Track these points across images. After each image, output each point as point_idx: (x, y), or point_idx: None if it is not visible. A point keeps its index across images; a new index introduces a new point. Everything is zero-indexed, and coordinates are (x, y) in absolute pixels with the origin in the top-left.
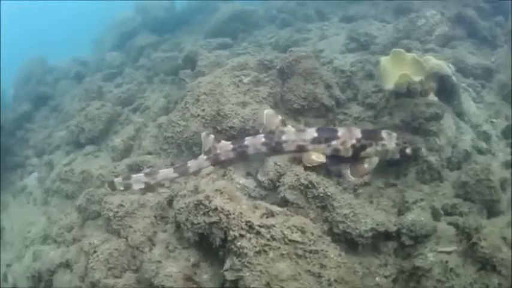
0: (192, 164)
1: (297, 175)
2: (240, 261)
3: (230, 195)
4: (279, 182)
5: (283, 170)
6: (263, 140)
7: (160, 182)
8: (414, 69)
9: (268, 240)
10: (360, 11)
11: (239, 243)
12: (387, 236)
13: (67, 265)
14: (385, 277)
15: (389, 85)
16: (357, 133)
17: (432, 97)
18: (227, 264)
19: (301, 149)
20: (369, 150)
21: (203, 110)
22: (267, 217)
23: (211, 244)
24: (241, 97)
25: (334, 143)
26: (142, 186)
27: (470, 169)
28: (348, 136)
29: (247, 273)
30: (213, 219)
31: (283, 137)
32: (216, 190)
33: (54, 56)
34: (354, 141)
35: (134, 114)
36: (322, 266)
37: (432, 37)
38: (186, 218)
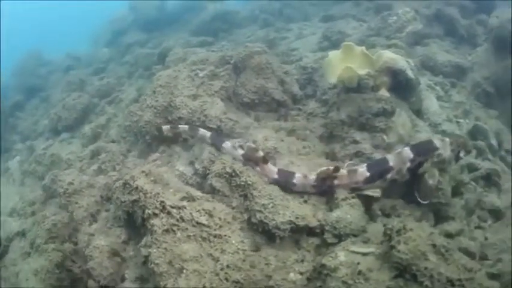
0: (226, 146)
1: (224, 163)
2: (150, 238)
3: (156, 178)
4: (209, 170)
5: (215, 158)
6: (314, 183)
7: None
8: (363, 62)
9: (177, 220)
10: (341, 11)
11: (152, 221)
12: (311, 232)
13: (23, 234)
14: (300, 273)
15: (333, 78)
16: (409, 154)
17: (383, 92)
18: (143, 241)
19: (355, 190)
20: (426, 165)
21: (157, 101)
22: (188, 201)
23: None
24: (194, 90)
25: (389, 176)
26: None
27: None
28: (400, 162)
29: (154, 250)
30: (134, 197)
31: (336, 182)
32: (142, 172)
33: (56, 51)
34: (408, 164)
35: (110, 106)
36: (223, 251)
37: (403, 34)
38: (117, 197)
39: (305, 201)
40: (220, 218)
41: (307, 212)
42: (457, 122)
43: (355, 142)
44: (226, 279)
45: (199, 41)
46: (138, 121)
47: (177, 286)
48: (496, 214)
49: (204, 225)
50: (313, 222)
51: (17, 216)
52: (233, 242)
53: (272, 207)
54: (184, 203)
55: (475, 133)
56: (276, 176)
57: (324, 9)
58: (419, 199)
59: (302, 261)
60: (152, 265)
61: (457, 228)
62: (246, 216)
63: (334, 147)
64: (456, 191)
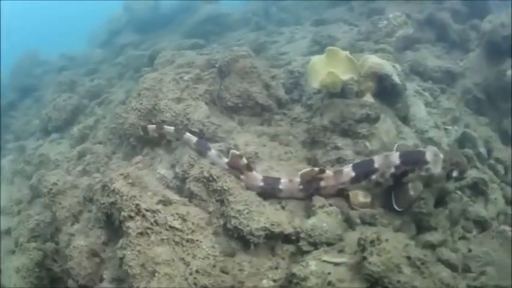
0: (211, 154)
1: (202, 167)
2: (126, 240)
3: (134, 181)
4: (188, 174)
5: (195, 162)
6: (300, 187)
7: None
8: (347, 67)
9: (151, 224)
10: (333, 15)
11: (127, 224)
12: (287, 238)
13: (9, 232)
14: (274, 281)
15: (316, 83)
16: (395, 159)
17: (368, 98)
18: (120, 243)
19: (342, 191)
20: (411, 176)
21: (141, 104)
22: (164, 205)
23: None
24: (178, 93)
25: (374, 177)
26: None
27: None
28: (385, 166)
29: (129, 252)
30: (112, 199)
31: (322, 183)
32: (120, 174)
33: (56, 50)
34: (392, 169)
35: (99, 107)
36: (194, 256)
37: (393, 39)
38: (97, 198)
39: (282, 208)
40: (193, 223)
41: (282, 218)
42: (445, 129)
43: (337, 148)
44: (195, 284)
45: (191, 43)
46: (123, 123)
47: None
48: (482, 225)
49: (177, 229)
50: (289, 229)
51: (4, 214)
52: (204, 247)
53: (247, 213)
54: (160, 206)
55: (464, 141)
56: (261, 184)
57: (317, 13)
58: (394, 205)
59: (276, 268)
60: (126, 267)
61: (440, 239)
62: (222, 221)
63: (316, 153)
64: (440, 200)
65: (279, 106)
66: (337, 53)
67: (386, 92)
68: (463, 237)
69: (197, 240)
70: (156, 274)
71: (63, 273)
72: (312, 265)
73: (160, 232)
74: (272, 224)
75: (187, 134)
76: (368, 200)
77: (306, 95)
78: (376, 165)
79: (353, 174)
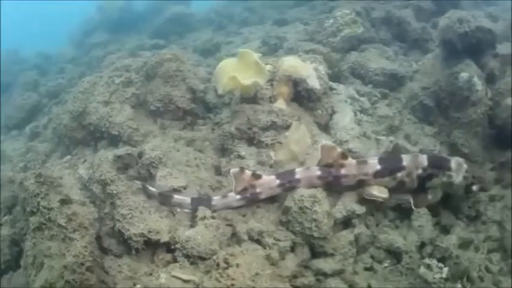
0: (215, 202)
1: (101, 171)
2: (27, 233)
3: (45, 180)
4: (93, 175)
5: (101, 164)
6: (318, 173)
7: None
8: (256, 71)
9: (46, 220)
10: (295, 15)
11: (30, 218)
12: (169, 247)
13: None
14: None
15: (220, 89)
16: (423, 161)
17: (280, 104)
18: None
19: (362, 183)
20: (434, 180)
21: (74, 106)
22: (62, 204)
23: None
24: (107, 96)
25: (399, 175)
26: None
27: (297, 192)
28: (413, 165)
29: (27, 243)
30: (24, 195)
31: (343, 171)
32: (33, 173)
33: (43, 49)
34: (420, 171)
35: (56, 106)
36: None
37: (336, 39)
38: (18, 194)
39: (174, 215)
40: (77, 223)
41: (162, 226)
42: (377, 139)
43: (240, 157)
44: (62, 278)
45: (151, 44)
46: (60, 124)
47: (37, 279)
48: (397, 255)
49: (63, 227)
50: (165, 238)
51: None
52: (78, 246)
53: (130, 218)
54: (57, 205)
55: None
56: (277, 182)
57: (281, 13)
58: (411, 205)
59: (150, 274)
60: (25, 257)
61: (334, 268)
62: (112, 223)
63: (222, 161)
64: (347, 223)
65: (207, 110)
66: (249, 56)
67: (303, 97)
68: (370, 269)
69: (75, 239)
70: (44, 265)
71: None
72: (162, 278)
73: (52, 228)
74: (150, 231)
75: (176, 196)
76: (383, 195)
77: (235, 99)
78: (404, 163)
79: (378, 167)
